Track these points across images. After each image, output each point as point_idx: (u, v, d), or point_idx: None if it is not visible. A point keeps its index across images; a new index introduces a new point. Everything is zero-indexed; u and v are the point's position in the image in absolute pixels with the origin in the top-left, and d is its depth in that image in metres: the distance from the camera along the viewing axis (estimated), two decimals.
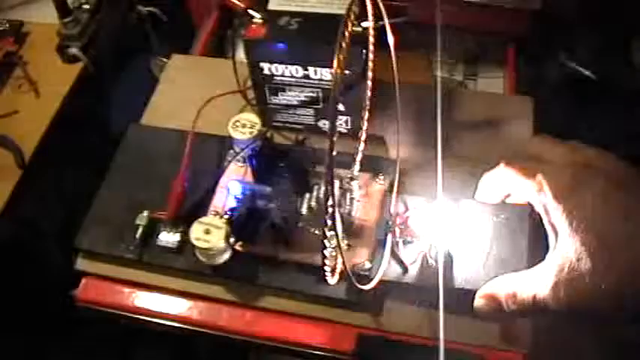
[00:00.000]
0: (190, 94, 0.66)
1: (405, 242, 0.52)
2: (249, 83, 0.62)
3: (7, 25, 0.81)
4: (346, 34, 0.37)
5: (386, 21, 0.49)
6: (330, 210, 0.40)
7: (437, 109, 0.55)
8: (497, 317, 0.47)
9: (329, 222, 0.42)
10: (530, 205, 0.47)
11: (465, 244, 0.52)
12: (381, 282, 0.51)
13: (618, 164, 0.44)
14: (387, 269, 0.52)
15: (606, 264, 0.40)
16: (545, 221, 0.44)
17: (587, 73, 0.75)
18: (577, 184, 0.42)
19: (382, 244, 0.53)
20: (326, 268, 0.45)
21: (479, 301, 0.47)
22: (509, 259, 0.50)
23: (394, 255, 0.52)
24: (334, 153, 0.37)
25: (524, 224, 0.52)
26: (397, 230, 0.52)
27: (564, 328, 0.49)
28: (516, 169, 0.47)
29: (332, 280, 0.47)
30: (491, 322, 0.51)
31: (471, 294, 0.48)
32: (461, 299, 0.49)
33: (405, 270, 0.52)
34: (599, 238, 0.40)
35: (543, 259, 0.44)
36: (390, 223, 0.53)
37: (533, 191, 0.45)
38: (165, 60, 0.75)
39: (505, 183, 0.49)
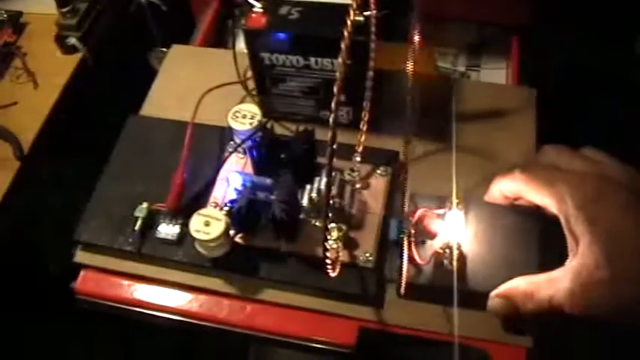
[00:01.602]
0: (190, 84, 0.65)
1: (418, 243, 0.52)
2: (250, 74, 0.61)
3: (6, 16, 0.81)
4: (349, 23, 0.36)
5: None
6: (331, 202, 0.40)
7: (452, 110, 0.54)
8: (512, 318, 0.47)
9: (330, 214, 0.41)
10: (542, 208, 0.47)
11: (476, 246, 0.51)
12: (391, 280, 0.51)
13: (637, 176, 0.45)
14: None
15: (626, 273, 0.41)
16: (565, 229, 0.45)
17: (590, 64, 0.75)
18: (600, 195, 0.43)
19: (396, 244, 0.52)
20: (327, 260, 0.44)
21: (494, 300, 0.48)
22: (520, 261, 0.50)
23: (408, 256, 0.51)
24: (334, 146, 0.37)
25: (534, 226, 0.51)
26: (411, 230, 0.52)
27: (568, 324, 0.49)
28: (535, 176, 0.47)
29: (333, 272, 0.46)
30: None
31: (483, 295, 0.48)
32: (473, 300, 0.49)
33: (419, 271, 0.51)
34: (620, 248, 0.42)
35: (554, 261, 0.45)
36: (404, 223, 0.52)
37: (554, 199, 0.45)
38: (164, 50, 0.74)
39: (521, 188, 0.49)
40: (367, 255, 0.52)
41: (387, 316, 0.52)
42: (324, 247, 0.42)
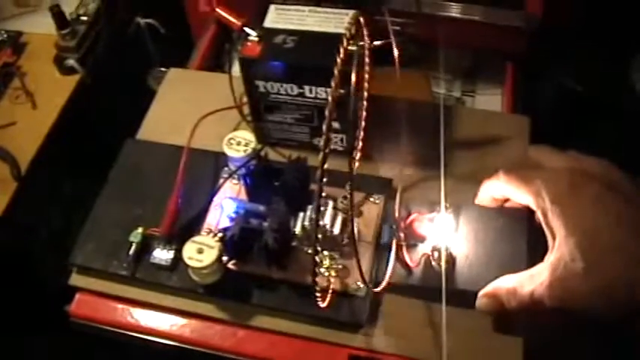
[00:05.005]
0: (187, 108, 0.66)
1: (408, 246, 0.53)
2: (246, 99, 0.62)
3: (5, 36, 0.81)
4: (341, 51, 0.37)
5: (392, 39, 0.49)
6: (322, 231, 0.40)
7: (440, 124, 0.55)
8: (499, 314, 0.49)
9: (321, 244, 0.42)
10: (528, 209, 0.48)
11: (466, 248, 0.53)
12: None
13: (613, 170, 0.46)
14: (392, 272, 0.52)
15: (599, 265, 0.42)
16: (543, 224, 0.46)
17: (584, 92, 0.75)
18: (573, 188, 0.44)
19: (386, 247, 0.53)
20: (317, 289, 0.45)
21: (482, 300, 0.49)
22: (510, 262, 0.51)
23: (398, 258, 0.53)
24: (324, 180, 0.37)
25: (523, 228, 0.53)
26: (401, 235, 0.53)
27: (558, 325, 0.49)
28: (515, 175, 0.48)
29: (323, 302, 0.46)
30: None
31: (472, 295, 0.49)
32: (463, 300, 0.50)
33: (409, 272, 0.53)
34: (593, 241, 0.42)
35: (542, 260, 0.46)
36: (395, 227, 0.53)
37: (532, 195, 0.46)
38: (163, 70, 0.75)
39: (504, 188, 0.50)
40: (359, 283, 0.53)
41: (377, 342, 0.53)
42: (314, 276, 0.43)
